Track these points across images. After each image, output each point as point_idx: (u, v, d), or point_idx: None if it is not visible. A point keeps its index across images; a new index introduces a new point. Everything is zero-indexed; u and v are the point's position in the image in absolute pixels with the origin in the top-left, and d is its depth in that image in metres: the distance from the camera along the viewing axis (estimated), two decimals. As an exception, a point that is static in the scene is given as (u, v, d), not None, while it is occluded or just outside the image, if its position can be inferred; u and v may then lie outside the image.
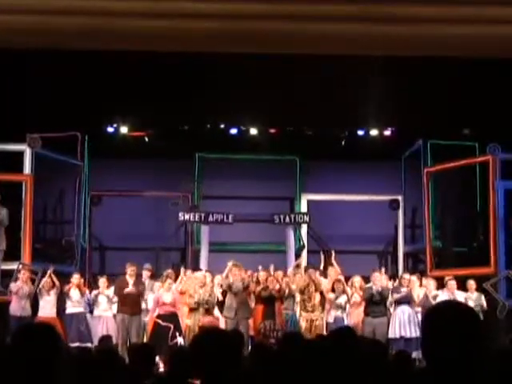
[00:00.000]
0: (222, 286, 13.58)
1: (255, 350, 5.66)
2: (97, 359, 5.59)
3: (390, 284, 13.85)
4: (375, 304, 13.24)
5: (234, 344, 3.41)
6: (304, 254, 16.79)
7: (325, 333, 12.35)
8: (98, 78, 14.15)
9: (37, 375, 2.86)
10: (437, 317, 2.72)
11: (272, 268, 13.81)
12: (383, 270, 14.65)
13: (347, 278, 14.11)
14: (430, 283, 13.76)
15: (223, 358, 3.27)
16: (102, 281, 13.78)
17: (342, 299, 13.58)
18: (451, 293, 13.49)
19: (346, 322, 12.97)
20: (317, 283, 13.62)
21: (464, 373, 2.62)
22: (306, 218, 16.76)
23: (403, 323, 13.16)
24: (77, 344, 12.71)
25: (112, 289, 13.61)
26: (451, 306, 2.80)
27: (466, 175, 16.24)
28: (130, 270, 13.47)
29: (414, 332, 13.03)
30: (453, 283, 13.64)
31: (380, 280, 13.50)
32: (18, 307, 13.16)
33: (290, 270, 14.63)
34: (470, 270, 14.55)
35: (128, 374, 5.56)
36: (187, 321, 13.04)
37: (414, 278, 14.10)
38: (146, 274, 14.18)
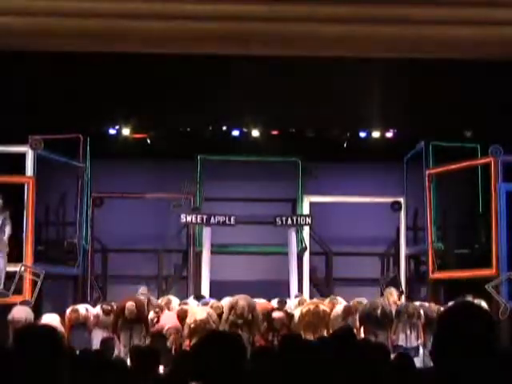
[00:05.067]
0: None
1: (256, 351, 5.65)
2: (99, 362, 5.59)
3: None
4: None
5: (234, 346, 3.40)
6: (306, 289, 16.62)
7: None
8: (100, 79, 14.18)
9: (38, 377, 2.86)
10: (450, 318, 2.71)
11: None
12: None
13: (349, 280, 14.06)
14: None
15: (224, 361, 3.27)
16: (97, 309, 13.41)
17: None
18: None
19: None
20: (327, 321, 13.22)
21: (472, 374, 2.62)
22: (308, 220, 16.72)
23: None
24: (79, 346, 12.63)
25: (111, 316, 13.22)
26: (465, 307, 2.79)
27: (468, 177, 16.21)
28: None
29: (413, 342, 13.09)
30: None
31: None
32: (20, 311, 13.14)
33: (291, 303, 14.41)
34: (471, 272, 14.53)
35: (130, 376, 5.56)
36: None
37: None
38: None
